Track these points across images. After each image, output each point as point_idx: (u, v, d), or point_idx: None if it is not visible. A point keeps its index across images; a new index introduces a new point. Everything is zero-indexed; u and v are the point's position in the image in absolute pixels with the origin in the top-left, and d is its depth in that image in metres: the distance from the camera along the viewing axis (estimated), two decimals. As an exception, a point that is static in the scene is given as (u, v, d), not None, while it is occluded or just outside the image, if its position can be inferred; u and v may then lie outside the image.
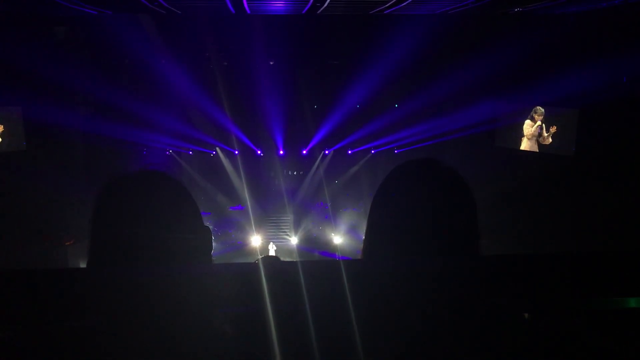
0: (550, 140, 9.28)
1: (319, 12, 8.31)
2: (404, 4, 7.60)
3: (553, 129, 9.23)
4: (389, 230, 1.25)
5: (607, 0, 7.44)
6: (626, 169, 7.79)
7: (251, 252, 12.85)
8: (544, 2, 7.57)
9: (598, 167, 8.27)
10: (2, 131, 9.23)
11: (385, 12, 8.26)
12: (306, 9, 8.15)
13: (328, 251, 13.12)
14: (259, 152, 13.82)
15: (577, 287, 1.07)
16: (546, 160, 9.36)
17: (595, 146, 8.31)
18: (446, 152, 11.17)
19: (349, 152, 13.67)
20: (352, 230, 13.29)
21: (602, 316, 1.20)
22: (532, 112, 9.55)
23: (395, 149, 12.82)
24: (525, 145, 9.69)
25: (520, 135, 9.75)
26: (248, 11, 8.28)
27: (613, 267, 1.08)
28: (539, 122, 9.46)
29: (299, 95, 12.57)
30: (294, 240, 13.65)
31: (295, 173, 14.11)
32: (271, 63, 11.91)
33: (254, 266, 1.03)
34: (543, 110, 9.45)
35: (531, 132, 9.55)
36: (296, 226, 13.86)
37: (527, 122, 9.61)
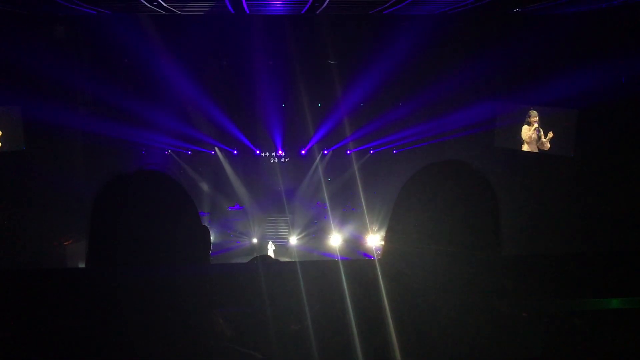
0: (549, 145, 9.28)
1: (318, 12, 8.32)
2: (403, 4, 7.61)
3: (551, 134, 9.23)
4: (411, 232, 1.22)
5: (606, 1, 7.45)
6: (625, 169, 7.80)
7: (249, 252, 12.84)
8: (543, 2, 7.58)
9: (597, 167, 8.27)
10: (1, 131, 9.21)
11: (384, 12, 8.26)
12: (305, 9, 8.16)
13: (327, 251, 13.10)
14: (257, 152, 13.82)
15: (577, 287, 1.07)
16: (546, 161, 9.36)
17: (595, 146, 8.32)
18: (446, 153, 11.17)
19: (348, 152, 13.67)
20: (350, 231, 13.27)
21: (602, 316, 1.19)
22: (527, 117, 9.57)
23: (394, 149, 12.83)
24: (525, 149, 9.71)
25: (519, 137, 9.76)
26: (247, 11, 8.28)
27: (613, 267, 1.08)
28: (535, 125, 9.46)
29: (298, 95, 12.57)
30: (292, 240, 13.64)
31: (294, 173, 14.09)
32: (270, 63, 11.93)
33: (250, 266, 1.03)
34: (537, 112, 9.46)
35: (529, 136, 9.56)
36: (295, 226, 13.84)
37: (525, 127, 9.62)
